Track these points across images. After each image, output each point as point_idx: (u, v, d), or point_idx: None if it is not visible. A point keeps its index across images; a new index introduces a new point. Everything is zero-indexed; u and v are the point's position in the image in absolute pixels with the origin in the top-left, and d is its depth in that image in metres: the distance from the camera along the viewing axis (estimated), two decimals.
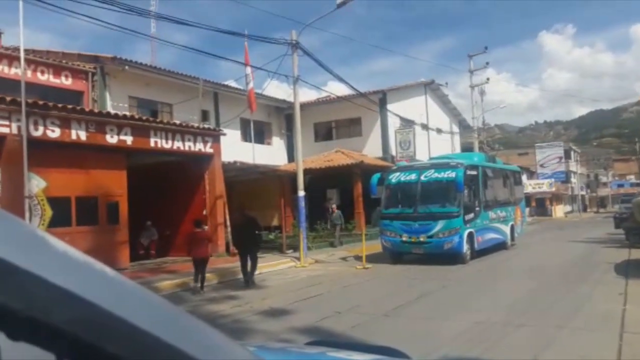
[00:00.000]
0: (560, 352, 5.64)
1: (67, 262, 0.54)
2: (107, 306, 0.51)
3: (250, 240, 11.38)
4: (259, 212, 16.50)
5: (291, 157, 24.77)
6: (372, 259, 14.64)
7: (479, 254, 14.80)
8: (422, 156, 24.99)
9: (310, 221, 19.43)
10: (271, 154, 25.31)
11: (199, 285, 10.59)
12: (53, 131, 11.64)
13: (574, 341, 6.04)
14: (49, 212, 11.77)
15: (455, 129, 35.92)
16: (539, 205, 51.62)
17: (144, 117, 14.27)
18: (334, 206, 20.57)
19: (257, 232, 11.70)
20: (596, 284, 10.10)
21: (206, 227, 12.01)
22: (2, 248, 0.49)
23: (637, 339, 6.05)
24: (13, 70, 15.48)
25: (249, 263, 11.31)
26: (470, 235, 14.32)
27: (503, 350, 5.70)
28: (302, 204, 15.91)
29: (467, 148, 33.74)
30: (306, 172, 18.07)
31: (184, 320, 0.59)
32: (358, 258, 14.96)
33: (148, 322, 0.54)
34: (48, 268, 0.50)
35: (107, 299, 0.52)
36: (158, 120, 14.93)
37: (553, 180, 52.71)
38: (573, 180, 62.57)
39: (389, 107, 26.15)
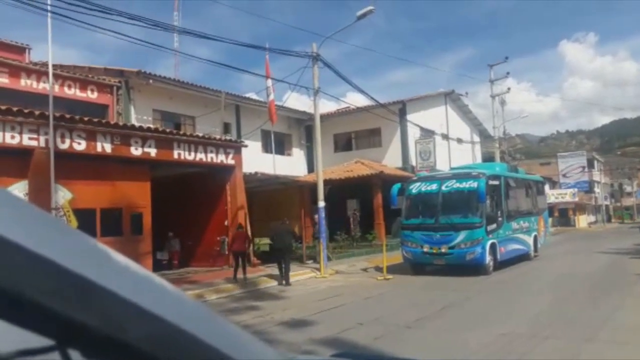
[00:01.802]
0: None
1: (134, 277, 0.55)
2: (175, 321, 0.53)
3: (286, 247, 13.44)
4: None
5: (311, 168, 24.88)
6: (393, 269, 14.57)
7: (501, 265, 14.62)
8: (442, 166, 24.85)
9: (330, 231, 19.43)
10: (291, 165, 25.44)
11: (240, 276, 13.07)
12: (79, 144, 11.90)
13: (603, 355, 5.93)
14: (74, 224, 11.99)
15: (476, 138, 35.65)
16: (562, 215, 50.78)
17: (168, 130, 14.52)
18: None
19: (292, 239, 14.16)
20: (624, 295, 9.89)
21: (244, 229, 14.62)
22: (78, 264, 0.48)
23: None
24: (41, 85, 15.90)
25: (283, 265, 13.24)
26: (493, 246, 14.16)
27: None
28: (322, 214, 15.94)
29: (488, 158, 33.47)
30: (326, 182, 18.13)
31: (234, 332, 0.62)
32: (379, 269, 14.90)
33: (207, 334, 0.56)
34: (121, 284, 0.50)
35: (174, 313, 0.53)
36: (181, 132, 15.17)
37: (576, 190, 51.84)
38: (596, 190, 61.46)
39: (409, 117, 26.11)
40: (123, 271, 0.54)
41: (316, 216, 17.30)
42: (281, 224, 14.25)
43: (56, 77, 15.53)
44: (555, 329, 7.23)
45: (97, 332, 0.48)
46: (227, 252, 15.62)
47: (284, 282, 13.06)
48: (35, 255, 0.46)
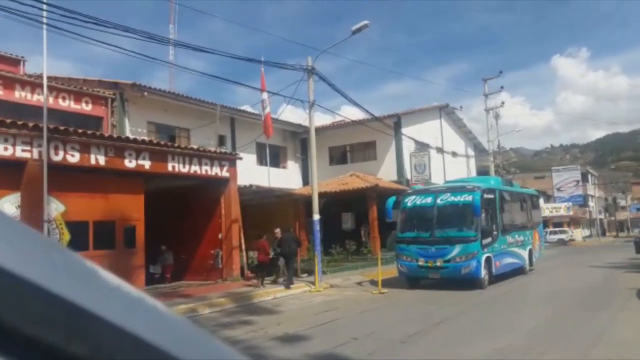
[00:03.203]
0: None
1: (126, 299, 0.50)
2: (168, 348, 0.49)
3: (292, 251, 15.15)
4: (274, 236, 16.50)
5: (306, 181, 24.85)
6: (388, 283, 14.49)
7: (497, 278, 14.58)
8: (437, 180, 24.89)
9: (325, 245, 19.35)
10: (286, 178, 25.41)
11: (262, 280, 14.62)
12: (73, 156, 11.83)
13: None
14: (67, 236, 11.90)
15: (471, 152, 35.80)
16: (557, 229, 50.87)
17: (162, 142, 14.47)
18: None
19: (297, 246, 15.66)
20: (618, 310, 9.86)
21: (264, 238, 15.61)
22: (64, 286, 0.44)
23: None
24: (35, 97, 15.86)
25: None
26: (488, 259, 14.13)
27: None
28: (317, 227, 15.88)
29: (482, 171, 33.56)
30: (321, 195, 18.08)
31: (228, 354, 0.59)
32: (374, 283, 14.82)
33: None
34: (112, 308, 0.46)
35: (167, 339, 0.49)
36: (176, 145, 15.13)
37: (570, 204, 52.04)
38: (591, 203, 61.71)
39: (404, 130, 26.20)
40: (114, 293, 0.50)
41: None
42: (287, 231, 15.96)
43: (50, 88, 15.50)
44: (551, 344, 7.18)
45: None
46: (221, 266, 15.52)
47: (287, 284, 14.42)
48: (17, 278, 0.42)
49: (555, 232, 45.32)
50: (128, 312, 0.48)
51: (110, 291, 0.50)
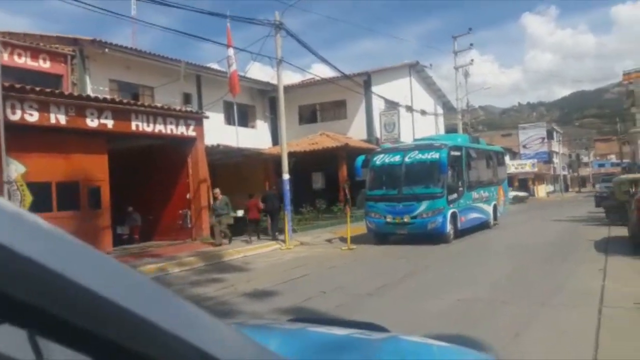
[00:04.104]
0: (542, 328, 5.73)
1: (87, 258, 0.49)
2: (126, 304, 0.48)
3: (275, 208, 16.19)
4: (244, 196, 16.44)
5: (275, 140, 24.67)
6: (357, 240, 14.71)
7: (462, 233, 14.96)
8: (406, 138, 25.04)
9: (296, 205, 19.41)
10: (255, 137, 25.15)
11: (254, 238, 15.53)
12: (31, 115, 11.39)
13: (555, 317, 6.14)
14: (29, 198, 11.57)
15: (440, 110, 36.02)
16: (522, 185, 52.23)
17: (125, 100, 14.04)
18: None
19: (279, 203, 16.24)
20: (577, 261, 10.26)
21: (255, 196, 16.41)
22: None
23: (615, 312, 6.18)
24: None
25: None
26: (454, 215, 14.44)
27: (486, 326, 5.78)
28: (287, 187, 15.89)
29: (451, 130, 33.90)
30: (291, 155, 18.00)
31: (173, 302, 0.56)
32: (343, 240, 15.02)
33: (148, 308, 0.51)
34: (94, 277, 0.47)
35: (124, 295, 0.49)
36: (139, 103, 14.71)
37: (535, 160, 53.29)
38: (555, 160, 63.35)
39: (374, 89, 26.10)
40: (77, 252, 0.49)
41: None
42: (271, 190, 17.72)
43: (4, 44, 14.76)
44: (513, 295, 7.44)
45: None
46: (190, 226, 15.44)
47: (273, 236, 15.81)
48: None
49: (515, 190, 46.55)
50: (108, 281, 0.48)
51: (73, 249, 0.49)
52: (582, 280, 8.32)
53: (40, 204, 11.54)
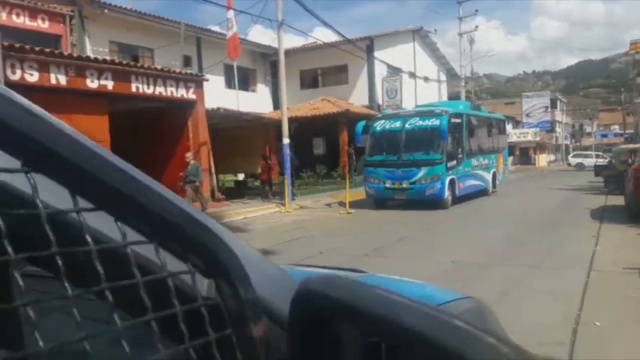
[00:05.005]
0: (530, 289, 5.90)
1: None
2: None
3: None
4: (244, 160, 16.56)
5: (276, 105, 24.55)
6: (356, 205, 14.86)
7: (460, 200, 15.08)
8: (408, 104, 24.89)
9: (296, 169, 19.50)
10: (256, 102, 25.03)
11: (267, 195, 16.71)
12: (32, 75, 11.38)
13: (544, 279, 6.30)
14: None
15: (443, 77, 35.66)
16: (523, 154, 52.19)
17: (125, 62, 13.97)
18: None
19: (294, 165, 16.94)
20: (571, 228, 10.40)
21: (269, 161, 17.95)
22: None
23: (602, 276, 6.34)
24: None
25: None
26: (452, 181, 14.54)
27: (476, 286, 5.94)
28: (287, 151, 15.95)
29: (454, 97, 33.66)
30: (291, 120, 18.00)
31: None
32: (342, 204, 15.17)
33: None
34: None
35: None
36: (139, 65, 14.64)
37: (538, 129, 53.03)
38: (558, 129, 63.04)
39: (376, 54, 25.81)
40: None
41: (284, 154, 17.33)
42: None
43: (2, 4, 14.61)
44: (505, 258, 7.61)
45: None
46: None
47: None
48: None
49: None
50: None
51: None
52: (574, 245, 8.47)
53: None
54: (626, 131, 52.28)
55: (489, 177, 17.77)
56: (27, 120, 0.46)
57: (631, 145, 18.89)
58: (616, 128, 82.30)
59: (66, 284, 0.41)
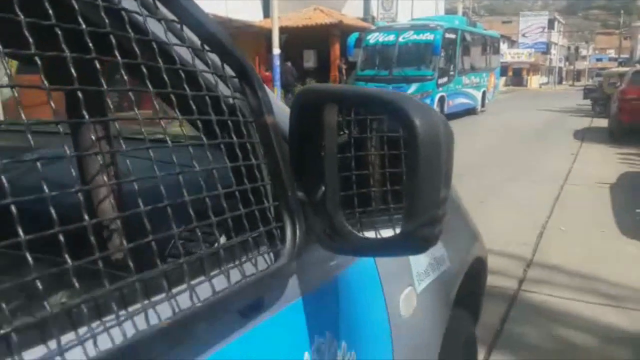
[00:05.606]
0: (505, 198, 6.23)
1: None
2: None
3: (290, 83, 16.53)
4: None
5: (267, 13, 23.78)
6: None
7: (448, 117, 14.99)
8: (404, 19, 24.26)
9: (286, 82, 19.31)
10: (246, 9, 24.19)
11: None
12: None
13: (520, 190, 6.63)
14: None
15: None
16: (516, 75, 51.70)
17: None
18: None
19: (294, 78, 17.14)
20: (553, 146, 10.67)
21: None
22: None
23: (575, 188, 6.70)
24: None
25: None
26: (442, 99, 14.62)
27: None
28: (277, 62, 15.75)
29: (452, 13, 32.73)
30: (282, 30, 17.57)
31: None
32: None
33: None
34: None
35: None
36: None
37: (533, 50, 52.25)
38: (553, 51, 62.14)
39: None
40: None
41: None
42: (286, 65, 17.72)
43: None
44: (485, 171, 7.89)
45: None
46: None
47: None
48: None
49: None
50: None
51: None
52: (552, 162, 8.77)
53: None
54: (621, 55, 51.75)
55: (478, 95, 17.83)
56: None
57: (621, 69, 18.88)
58: (612, 52, 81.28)
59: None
